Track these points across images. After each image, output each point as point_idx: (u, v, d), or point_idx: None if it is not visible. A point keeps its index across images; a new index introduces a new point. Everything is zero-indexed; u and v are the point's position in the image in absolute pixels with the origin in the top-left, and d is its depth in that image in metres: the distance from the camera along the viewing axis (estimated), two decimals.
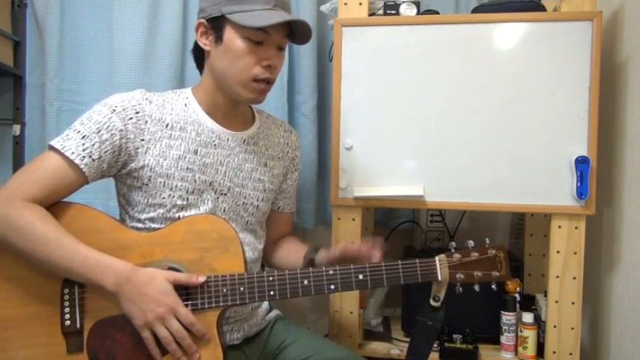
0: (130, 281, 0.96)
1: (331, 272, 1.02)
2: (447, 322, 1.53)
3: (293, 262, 1.23)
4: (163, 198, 1.09)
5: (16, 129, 1.71)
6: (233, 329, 1.16)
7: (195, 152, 1.12)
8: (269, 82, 1.12)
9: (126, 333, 0.99)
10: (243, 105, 1.20)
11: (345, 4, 1.45)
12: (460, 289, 1.06)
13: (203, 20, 1.11)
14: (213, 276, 1.01)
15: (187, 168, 1.11)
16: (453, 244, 1.08)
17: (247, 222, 1.19)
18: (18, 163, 1.71)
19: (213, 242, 1.03)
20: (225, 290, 1.01)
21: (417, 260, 1.04)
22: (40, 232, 0.96)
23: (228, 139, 1.16)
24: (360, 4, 1.44)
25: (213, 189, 1.14)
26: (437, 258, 1.05)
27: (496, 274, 1.05)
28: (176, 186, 1.10)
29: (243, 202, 1.18)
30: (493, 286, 1.07)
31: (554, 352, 1.38)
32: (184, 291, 1.00)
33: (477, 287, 1.06)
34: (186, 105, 1.14)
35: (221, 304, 1.00)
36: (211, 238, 1.03)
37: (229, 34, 1.08)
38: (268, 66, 1.09)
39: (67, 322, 0.98)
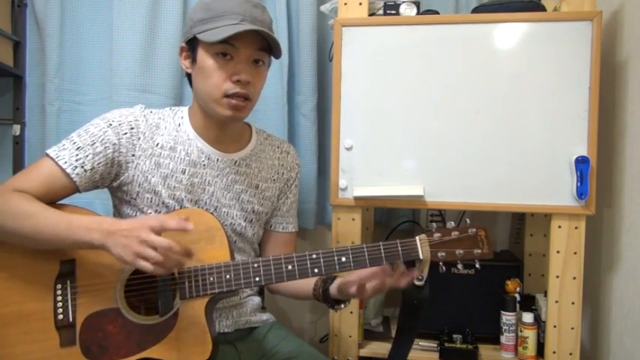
0: (113, 227, 0.94)
1: (314, 256, 1.04)
2: (447, 322, 1.54)
3: (301, 289, 1.20)
4: (150, 213, 1.12)
5: (16, 129, 1.71)
6: (222, 315, 1.18)
7: (184, 172, 1.14)
8: (246, 98, 1.10)
9: (117, 325, 1.01)
10: (230, 125, 1.17)
11: (345, 4, 1.45)
12: (443, 267, 1.06)
13: (183, 44, 1.14)
14: (200, 265, 1.03)
15: (174, 186, 1.13)
16: (434, 224, 1.08)
17: (235, 241, 1.20)
18: (18, 163, 1.71)
19: (200, 234, 1.05)
20: (211, 279, 1.03)
21: (398, 240, 1.05)
22: (25, 208, 0.99)
23: (217, 160, 1.17)
24: (360, 4, 1.44)
25: (199, 208, 1.15)
26: (417, 237, 1.05)
27: (478, 251, 1.05)
28: (163, 202, 1.13)
29: (231, 223, 1.19)
30: (477, 265, 1.06)
31: (554, 352, 1.38)
32: (171, 281, 1.02)
33: (460, 266, 1.06)
34: (179, 125, 1.17)
35: (208, 292, 1.02)
36: (197, 231, 1.04)
37: (201, 53, 1.09)
38: (238, 81, 1.08)
39: (60, 317, 1.01)
